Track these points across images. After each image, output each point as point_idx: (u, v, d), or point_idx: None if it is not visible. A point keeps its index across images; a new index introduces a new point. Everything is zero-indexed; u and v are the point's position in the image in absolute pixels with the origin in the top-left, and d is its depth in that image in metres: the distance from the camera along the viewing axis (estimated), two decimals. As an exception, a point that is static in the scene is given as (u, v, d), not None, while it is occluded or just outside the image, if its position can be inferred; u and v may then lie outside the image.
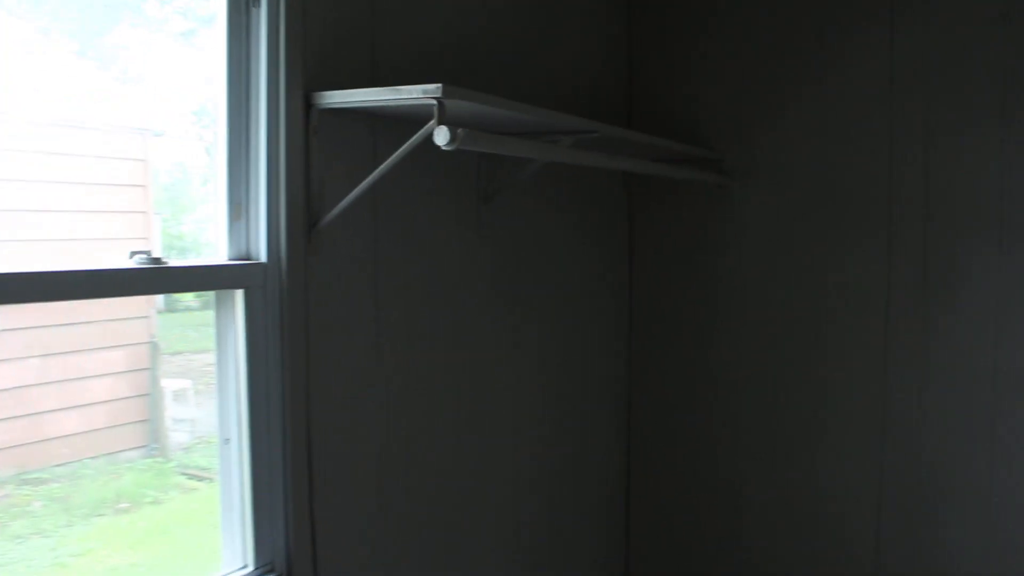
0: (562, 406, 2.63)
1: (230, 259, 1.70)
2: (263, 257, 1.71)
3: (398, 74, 1.92)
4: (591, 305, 2.79)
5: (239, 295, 1.70)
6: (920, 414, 2.54)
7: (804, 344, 2.71)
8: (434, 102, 1.60)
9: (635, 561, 3.03)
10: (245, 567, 1.74)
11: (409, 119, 1.84)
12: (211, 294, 1.71)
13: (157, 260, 1.54)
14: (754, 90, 2.75)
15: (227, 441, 1.74)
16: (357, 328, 1.91)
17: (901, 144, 2.54)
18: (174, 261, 1.59)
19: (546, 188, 2.52)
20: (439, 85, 1.58)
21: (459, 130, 1.59)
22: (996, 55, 2.41)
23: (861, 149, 2.60)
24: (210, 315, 1.72)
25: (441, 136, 1.59)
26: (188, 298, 1.82)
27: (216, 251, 1.72)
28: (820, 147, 2.66)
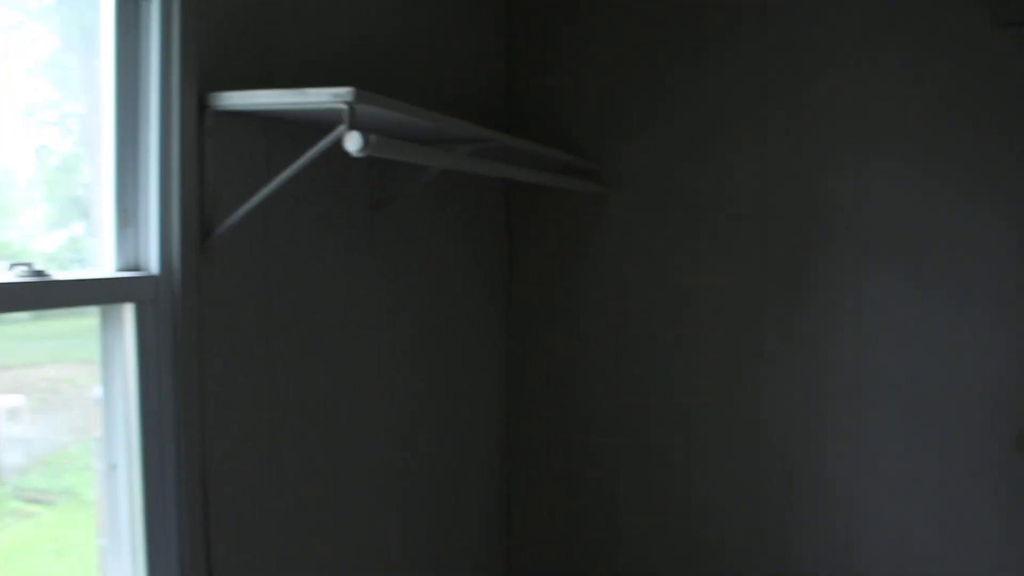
0: (445, 411, 2.61)
1: (118, 271, 1.58)
2: (154, 269, 1.60)
3: (282, 76, 1.85)
4: (473, 311, 2.79)
5: (129, 310, 1.57)
6: (787, 416, 2.69)
7: (677, 348, 2.81)
8: (345, 106, 1.55)
9: (516, 559, 3.04)
10: (136, 600, 1.61)
11: (311, 124, 1.77)
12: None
13: (40, 273, 1.41)
14: (629, 100, 2.84)
15: (114, 467, 1.61)
16: (250, 342, 1.81)
17: (771, 156, 2.68)
18: (58, 274, 1.45)
19: (434, 196, 2.49)
20: (351, 89, 1.53)
21: (372, 136, 1.55)
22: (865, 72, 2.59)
23: (732, 160, 2.73)
24: (46, 326, 1.58)
25: (353, 142, 1.54)
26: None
27: (100, 262, 1.59)
28: (693, 157, 2.77)
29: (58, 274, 1.45)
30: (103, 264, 1.59)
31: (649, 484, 2.86)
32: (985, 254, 2.48)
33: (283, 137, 1.83)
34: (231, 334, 1.75)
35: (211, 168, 1.67)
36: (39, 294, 1.41)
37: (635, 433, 2.87)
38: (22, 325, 1.66)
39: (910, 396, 2.56)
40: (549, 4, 2.91)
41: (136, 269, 1.60)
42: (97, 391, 1.61)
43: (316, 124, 1.77)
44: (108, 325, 1.58)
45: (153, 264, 1.60)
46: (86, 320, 1.61)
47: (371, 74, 2.19)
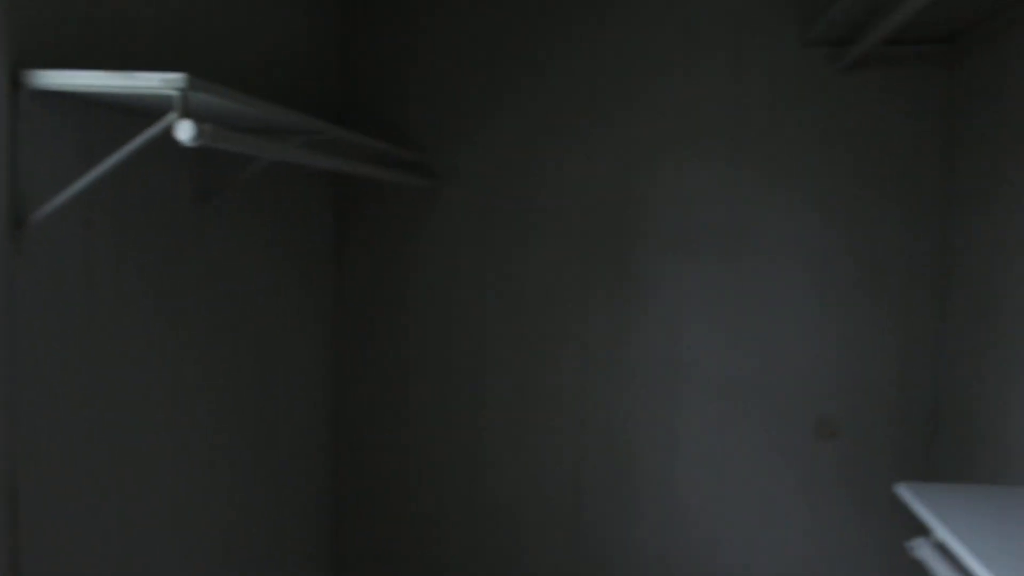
0: (270, 408, 2.56)
1: (-81, 260, 1.46)
2: (-39, 258, 1.48)
3: (109, 58, 1.76)
4: (299, 306, 2.75)
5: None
6: (608, 402, 2.84)
7: (508, 341, 2.90)
8: (177, 93, 1.50)
9: (343, 549, 3.03)
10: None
11: (138, 109, 1.70)
12: None
13: None
14: (464, 97, 2.89)
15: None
16: (65, 339, 1.71)
17: (597, 155, 2.82)
18: None
19: (262, 190, 2.44)
20: (183, 75, 1.48)
21: (206, 126, 1.51)
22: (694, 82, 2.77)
23: (561, 158, 2.84)
24: None
25: (185, 131, 1.49)
26: None
27: None
28: (523, 154, 2.86)
29: None
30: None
31: (473, 474, 2.93)
32: (792, 250, 2.72)
33: (107, 122, 1.74)
34: (45, 329, 1.65)
35: (26, 152, 1.57)
36: None
37: (461, 425, 2.94)
38: None
39: (720, 383, 2.77)
40: (384, -1, 2.93)
41: (-61, 259, 1.49)
42: None
43: (144, 110, 1.70)
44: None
45: (-41, 253, 1.49)
46: None
47: (200, 62, 2.12)
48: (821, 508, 2.74)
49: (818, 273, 2.72)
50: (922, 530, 1.86)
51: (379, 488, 3.00)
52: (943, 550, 1.75)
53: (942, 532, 1.59)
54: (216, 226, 2.23)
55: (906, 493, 1.82)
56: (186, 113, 1.50)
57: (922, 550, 1.77)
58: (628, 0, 2.79)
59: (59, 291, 1.69)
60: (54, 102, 1.62)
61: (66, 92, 1.58)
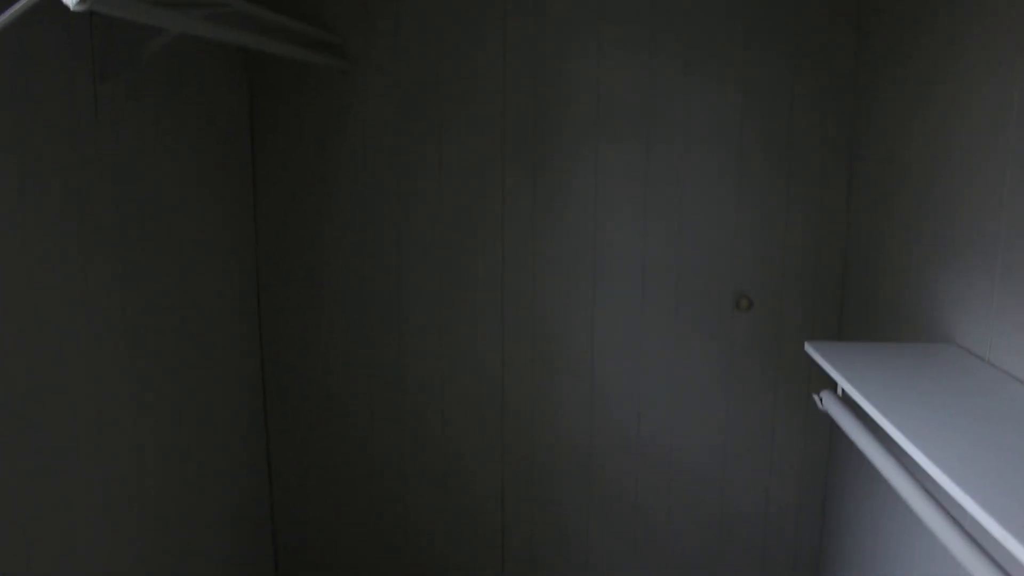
0: (188, 325, 2.51)
1: None
2: None
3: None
4: (217, 195, 2.68)
5: None
6: (534, 286, 2.87)
7: (428, 229, 2.89)
8: (61, -48, 1.41)
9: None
10: None
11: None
12: None
13: None
14: (373, -24, 2.79)
15: None
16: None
17: (517, 40, 2.76)
18: None
19: (169, 69, 2.34)
20: (68, -68, 1.39)
21: (96, -13, 1.43)
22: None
23: (478, 41, 2.78)
24: None
25: (70, -10, 1.41)
26: None
27: None
28: (438, 37, 2.79)
29: None
30: None
31: (396, 369, 2.96)
32: (709, 133, 2.75)
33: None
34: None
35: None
36: None
37: (382, 313, 2.94)
38: None
39: (638, 263, 2.83)
40: None
41: None
42: None
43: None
44: None
45: None
46: None
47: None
48: (738, 376, 2.86)
49: (734, 155, 2.76)
50: (831, 387, 1.96)
51: (307, 404, 3.02)
52: (846, 401, 1.85)
53: (843, 383, 1.68)
54: (121, 109, 2.13)
55: (813, 351, 1.90)
56: (73, -26, 1.42)
57: (828, 402, 1.87)
58: None
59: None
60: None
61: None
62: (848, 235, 2.72)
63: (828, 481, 2.89)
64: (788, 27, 2.68)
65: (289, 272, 2.96)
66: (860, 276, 2.61)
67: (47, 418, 1.85)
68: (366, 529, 3.10)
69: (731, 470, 2.94)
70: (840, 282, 2.77)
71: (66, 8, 1.41)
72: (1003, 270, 1.68)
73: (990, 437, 1.36)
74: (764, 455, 2.92)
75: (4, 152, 1.73)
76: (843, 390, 1.86)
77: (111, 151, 2.09)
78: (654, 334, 2.86)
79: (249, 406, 2.91)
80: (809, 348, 1.92)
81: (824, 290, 2.78)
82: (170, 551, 2.36)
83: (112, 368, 2.10)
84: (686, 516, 2.99)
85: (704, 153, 2.76)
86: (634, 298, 2.85)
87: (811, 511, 2.95)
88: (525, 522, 3.04)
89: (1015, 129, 1.66)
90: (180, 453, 2.42)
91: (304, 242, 2.94)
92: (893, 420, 1.43)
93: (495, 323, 2.91)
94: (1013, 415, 1.45)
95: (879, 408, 1.49)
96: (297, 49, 2.40)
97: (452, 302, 2.91)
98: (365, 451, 3.04)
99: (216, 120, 2.67)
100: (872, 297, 2.48)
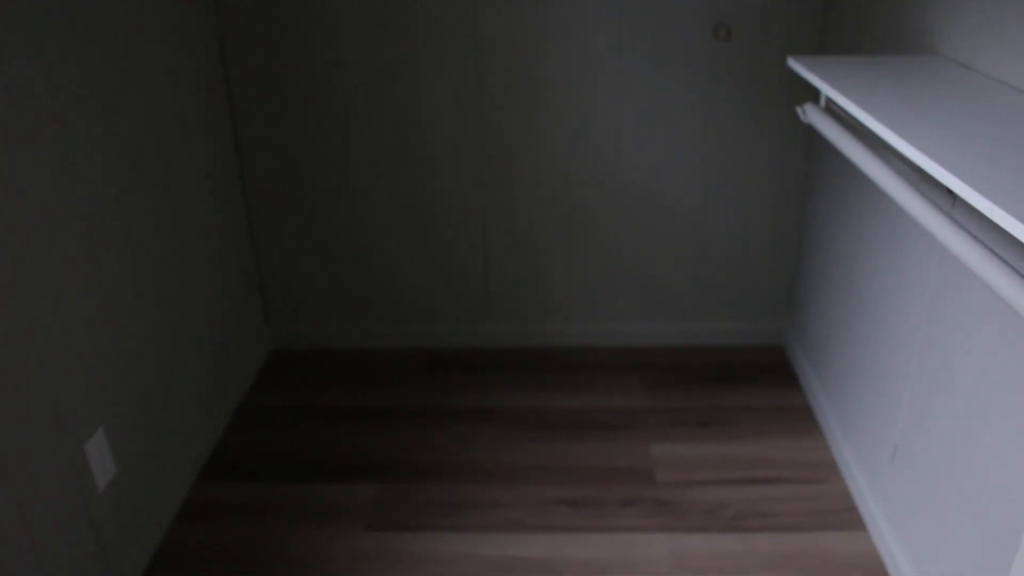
0: (157, 85, 2.38)
1: None
2: None
3: None
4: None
5: None
6: (510, 22, 2.74)
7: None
8: None
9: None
10: None
11: None
12: None
13: None
14: None
15: None
16: None
17: None
18: None
19: None
20: None
21: None
22: None
23: None
24: None
25: None
26: None
27: None
28: None
29: None
30: None
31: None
32: None
33: None
34: None
35: None
36: None
37: (358, 64, 2.82)
38: None
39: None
40: None
41: None
42: None
43: None
44: None
45: None
46: None
47: None
48: (719, 102, 2.81)
49: None
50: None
51: (282, 153, 2.94)
52: (830, 111, 1.83)
53: (827, 90, 1.65)
54: None
55: (796, 64, 1.85)
56: None
57: (811, 113, 1.85)
58: None
59: None
60: None
61: None
62: (834, -49, 2.59)
63: (805, 209, 2.93)
64: None
65: (258, 11, 2.79)
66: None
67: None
68: (351, 280, 3.16)
69: (710, 203, 2.97)
70: (822, 4, 2.66)
71: None
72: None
73: (977, 130, 1.34)
74: (743, 184, 2.94)
75: None
76: (826, 99, 1.83)
77: None
78: (632, 69, 2.78)
79: (225, 166, 2.85)
80: (792, 62, 1.87)
81: (806, 13, 2.67)
82: (165, 314, 2.39)
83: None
84: (665, 254, 3.05)
85: None
86: (610, 29, 2.73)
87: (788, 237, 3.01)
88: (508, 266, 3.10)
89: None
90: (165, 221, 2.39)
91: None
92: (878, 116, 1.41)
93: (470, 57, 2.80)
94: (1000, 110, 1.43)
95: (864, 107, 1.46)
96: None
97: (428, 38, 2.78)
98: (345, 199, 3.02)
99: None
100: (856, 16, 2.39)
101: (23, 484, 1.74)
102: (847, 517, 2.33)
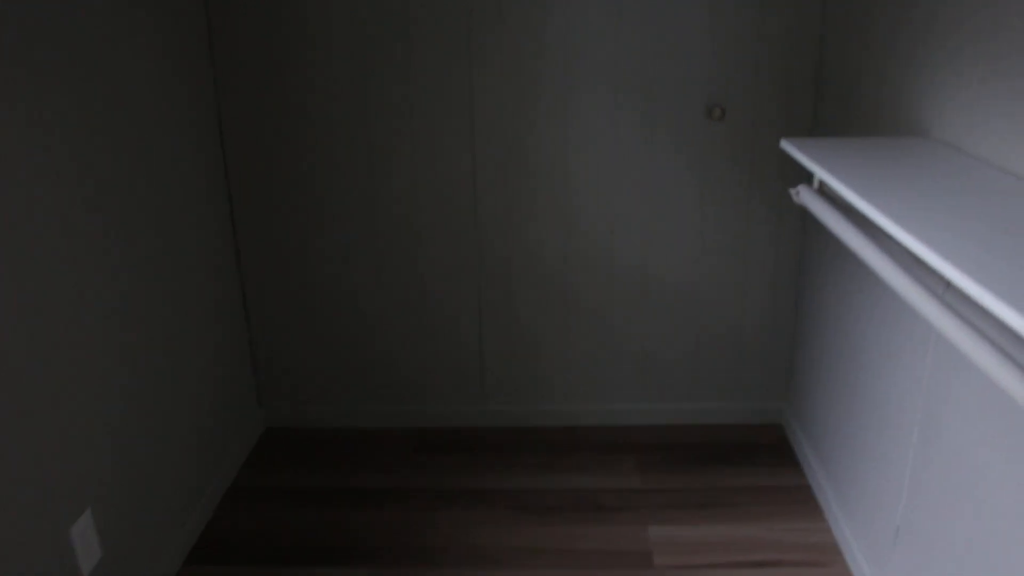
0: (152, 168, 2.41)
1: None
2: None
3: None
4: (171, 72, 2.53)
5: None
6: (503, 101, 2.79)
7: (399, 37, 2.77)
8: None
9: (252, 303, 3.05)
10: None
11: None
12: None
13: None
14: None
15: None
16: None
17: None
18: None
19: None
20: None
21: None
22: None
23: None
24: None
25: None
26: None
27: None
28: None
29: None
30: None
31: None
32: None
33: None
34: None
35: None
36: None
37: (353, 143, 2.86)
38: None
39: (615, 75, 2.74)
40: None
41: None
42: None
43: None
44: None
45: None
46: None
47: None
48: (713, 181, 2.85)
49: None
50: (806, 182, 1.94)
51: (279, 238, 2.96)
52: (823, 192, 1.85)
53: (820, 173, 1.67)
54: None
55: (789, 146, 1.88)
56: None
57: (804, 195, 1.87)
58: None
59: None
60: None
61: None
62: (823, 33, 2.65)
63: (801, 287, 2.94)
64: None
65: (253, 94, 2.84)
66: (835, 77, 2.55)
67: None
68: (344, 359, 3.14)
69: (706, 282, 2.98)
70: (814, 86, 2.72)
71: None
72: (989, 58, 1.64)
73: (969, 213, 1.36)
74: (738, 263, 2.95)
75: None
76: (820, 182, 1.85)
77: None
78: (627, 148, 2.82)
79: (221, 245, 2.86)
80: (785, 144, 1.90)
81: (798, 94, 2.73)
82: (157, 393, 2.37)
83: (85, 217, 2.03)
84: (661, 333, 3.05)
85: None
86: (605, 111, 2.78)
87: (784, 316, 3.02)
88: (503, 345, 3.09)
89: None
90: (159, 300, 2.38)
91: (269, 76, 2.81)
92: (872, 201, 1.42)
93: (465, 138, 2.84)
94: (991, 193, 1.45)
95: (857, 191, 1.48)
96: None
97: (422, 116, 2.83)
98: (340, 279, 3.03)
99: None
100: (847, 97, 2.44)
101: (2, 571, 1.69)
102: (851, 603, 2.28)
